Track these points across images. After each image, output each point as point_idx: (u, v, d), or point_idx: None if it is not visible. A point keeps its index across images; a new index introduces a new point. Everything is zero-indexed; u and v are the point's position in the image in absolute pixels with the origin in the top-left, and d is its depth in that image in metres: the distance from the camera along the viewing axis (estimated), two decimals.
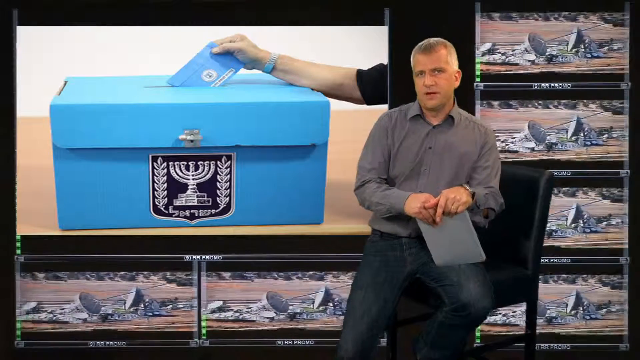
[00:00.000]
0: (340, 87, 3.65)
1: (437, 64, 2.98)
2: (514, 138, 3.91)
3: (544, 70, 3.90)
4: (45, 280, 3.90)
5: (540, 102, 3.91)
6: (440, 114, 3.05)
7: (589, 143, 3.92)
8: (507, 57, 3.90)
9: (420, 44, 3.04)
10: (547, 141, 3.92)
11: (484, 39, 3.89)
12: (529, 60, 3.90)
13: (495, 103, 3.90)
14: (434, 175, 3.02)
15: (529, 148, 3.92)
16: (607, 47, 3.90)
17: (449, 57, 3.01)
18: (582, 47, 3.90)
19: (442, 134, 3.04)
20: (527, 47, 3.90)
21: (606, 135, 3.92)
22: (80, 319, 3.93)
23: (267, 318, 3.95)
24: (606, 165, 3.92)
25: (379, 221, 3.08)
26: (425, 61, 2.99)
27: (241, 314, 3.94)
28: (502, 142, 3.90)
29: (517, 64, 3.91)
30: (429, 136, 3.04)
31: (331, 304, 3.95)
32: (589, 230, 3.94)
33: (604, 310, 3.96)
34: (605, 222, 3.93)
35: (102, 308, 3.92)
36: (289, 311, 3.95)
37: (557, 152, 3.93)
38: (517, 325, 3.91)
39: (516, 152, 3.91)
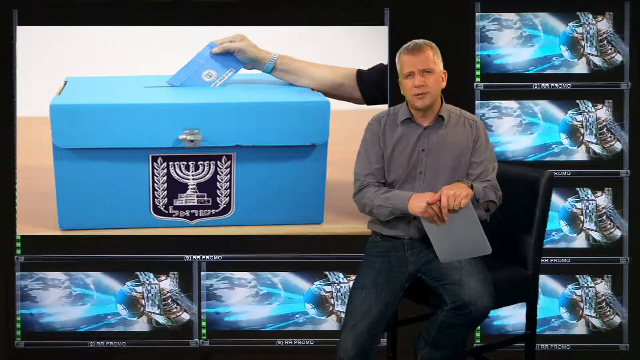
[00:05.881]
0: (340, 87, 3.65)
1: (425, 65, 2.97)
2: (513, 138, 3.92)
3: (544, 70, 3.90)
4: (45, 280, 3.90)
5: (540, 101, 3.90)
6: (429, 114, 3.03)
7: (589, 143, 3.92)
8: (507, 57, 3.90)
9: (405, 45, 3.03)
10: (547, 141, 3.92)
11: (484, 39, 3.89)
12: (529, 60, 3.90)
13: (496, 103, 3.90)
14: (430, 177, 3.00)
15: (528, 147, 3.93)
16: (607, 47, 3.90)
17: (435, 58, 3.00)
18: (582, 46, 3.90)
19: (433, 135, 3.03)
20: (527, 47, 3.90)
21: (606, 135, 3.92)
22: (80, 319, 3.93)
23: (267, 318, 3.95)
24: (606, 165, 3.92)
25: (378, 224, 3.07)
26: (414, 62, 2.98)
27: (241, 314, 3.94)
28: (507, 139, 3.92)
29: (517, 64, 3.90)
30: (421, 138, 3.03)
31: (331, 304, 3.95)
32: (588, 230, 3.94)
33: (604, 310, 3.95)
34: (605, 222, 3.93)
35: (103, 308, 3.92)
36: (289, 311, 3.95)
37: (557, 152, 3.92)
38: (517, 325, 3.91)
39: (516, 150, 3.93)
